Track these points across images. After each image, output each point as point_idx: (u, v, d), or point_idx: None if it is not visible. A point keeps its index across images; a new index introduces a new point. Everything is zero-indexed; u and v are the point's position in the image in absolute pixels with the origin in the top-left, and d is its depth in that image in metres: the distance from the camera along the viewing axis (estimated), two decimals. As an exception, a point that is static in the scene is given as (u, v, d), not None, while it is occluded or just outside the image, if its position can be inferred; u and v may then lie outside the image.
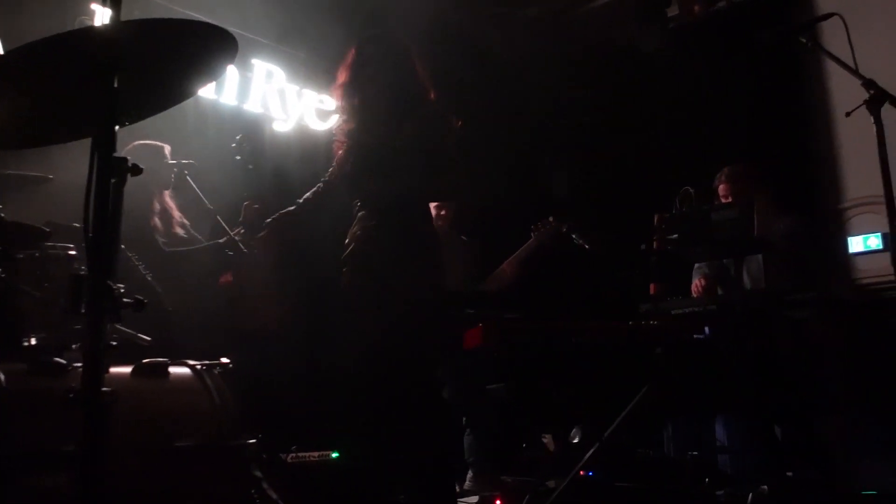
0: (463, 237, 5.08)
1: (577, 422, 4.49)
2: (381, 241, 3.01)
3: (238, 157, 3.65)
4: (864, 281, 5.41)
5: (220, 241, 3.97)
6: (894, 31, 5.31)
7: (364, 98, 3.10)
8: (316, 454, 4.29)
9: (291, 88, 5.64)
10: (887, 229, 2.72)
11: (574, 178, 6.14)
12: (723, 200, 4.39)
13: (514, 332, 3.37)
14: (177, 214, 4.18)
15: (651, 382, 4.03)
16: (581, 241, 4.40)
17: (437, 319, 2.98)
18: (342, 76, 3.18)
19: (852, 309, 4.82)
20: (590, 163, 6.03)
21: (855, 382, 5.09)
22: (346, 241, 3.13)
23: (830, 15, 2.79)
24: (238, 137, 3.70)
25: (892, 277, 2.55)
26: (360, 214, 3.12)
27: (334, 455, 4.38)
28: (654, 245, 3.85)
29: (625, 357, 4.36)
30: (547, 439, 5.00)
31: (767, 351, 4.33)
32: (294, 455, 4.14)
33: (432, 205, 4.76)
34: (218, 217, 4.09)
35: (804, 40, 2.87)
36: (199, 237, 4.22)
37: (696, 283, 4.43)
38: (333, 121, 5.80)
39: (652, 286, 4.09)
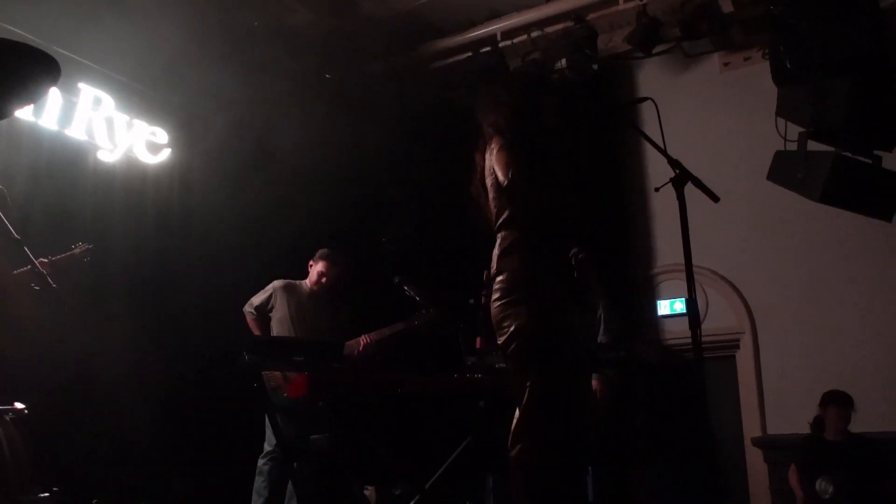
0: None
1: (399, 474, 4.48)
2: None
3: None
4: (671, 342, 5.85)
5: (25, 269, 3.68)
6: (701, 117, 5.90)
7: None
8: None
9: (121, 117, 5.31)
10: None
11: (406, 233, 6.22)
12: None
13: (338, 382, 3.34)
14: None
15: (473, 435, 4.11)
16: (412, 293, 4.46)
17: None
18: None
19: (657, 369, 5.18)
20: (423, 218, 6.13)
21: (659, 438, 5.45)
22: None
23: (645, 99, 3.04)
24: None
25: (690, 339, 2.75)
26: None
27: (142, 509, 4.11)
28: (482, 300, 3.96)
29: (449, 409, 4.43)
30: (369, 491, 4.94)
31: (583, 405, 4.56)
32: (95, 509, 3.85)
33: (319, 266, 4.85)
34: (25, 248, 3.78)
35: (620, 119, 3.11)
36: None
37: None
38: (165, 154, 5.55)
39: (478, 340, 4.20)
